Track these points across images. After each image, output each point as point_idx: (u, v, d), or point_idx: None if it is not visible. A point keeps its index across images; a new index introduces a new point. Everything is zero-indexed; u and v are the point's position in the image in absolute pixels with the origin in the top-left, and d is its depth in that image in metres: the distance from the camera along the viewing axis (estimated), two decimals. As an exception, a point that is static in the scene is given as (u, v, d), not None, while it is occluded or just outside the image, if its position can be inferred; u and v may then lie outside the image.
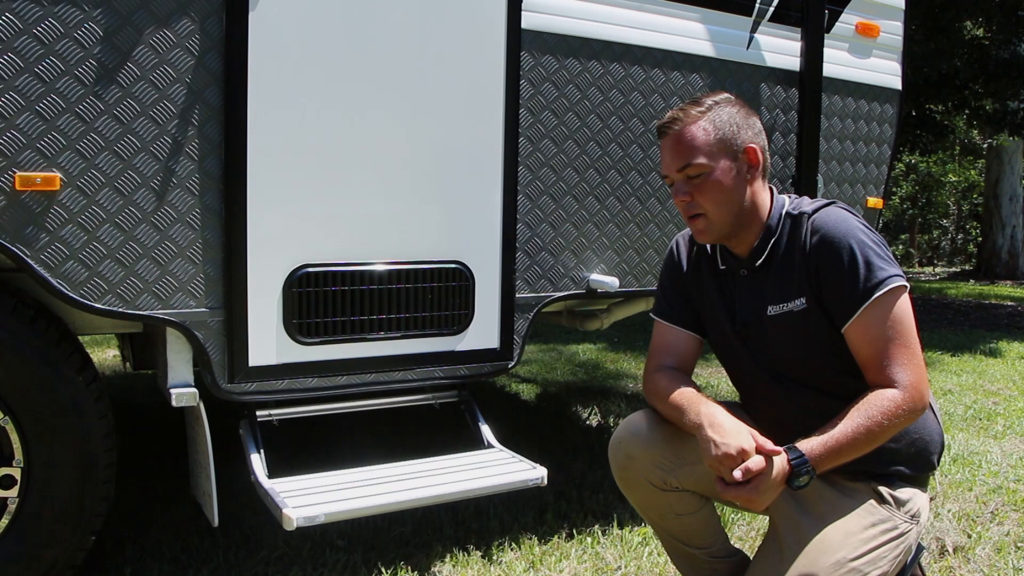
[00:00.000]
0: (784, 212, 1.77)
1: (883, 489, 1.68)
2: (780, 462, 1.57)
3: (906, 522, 1.67)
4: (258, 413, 2.33)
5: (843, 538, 1.63)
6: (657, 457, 1.79)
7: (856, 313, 1.63)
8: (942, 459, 1.77)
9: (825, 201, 1.76)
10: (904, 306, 1.63)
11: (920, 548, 1.79)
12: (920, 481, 1.74)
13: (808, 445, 1.58)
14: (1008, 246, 13.88)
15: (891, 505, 1.67)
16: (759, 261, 1.78)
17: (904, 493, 1.69)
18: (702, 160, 1.72)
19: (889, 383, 1.60)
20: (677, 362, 1.89)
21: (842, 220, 1.69)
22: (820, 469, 1.59)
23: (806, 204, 1.77)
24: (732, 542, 2.00)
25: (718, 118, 1.74)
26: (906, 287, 1.63)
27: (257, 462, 2.24)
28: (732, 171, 1.74)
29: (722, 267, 1.86)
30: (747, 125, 1.76)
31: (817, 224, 1.70)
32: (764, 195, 1.79)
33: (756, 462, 1.54)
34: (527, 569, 2.38)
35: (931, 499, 1.78)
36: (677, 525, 1.90)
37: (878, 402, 1.58)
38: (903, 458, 1.71)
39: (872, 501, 1.67)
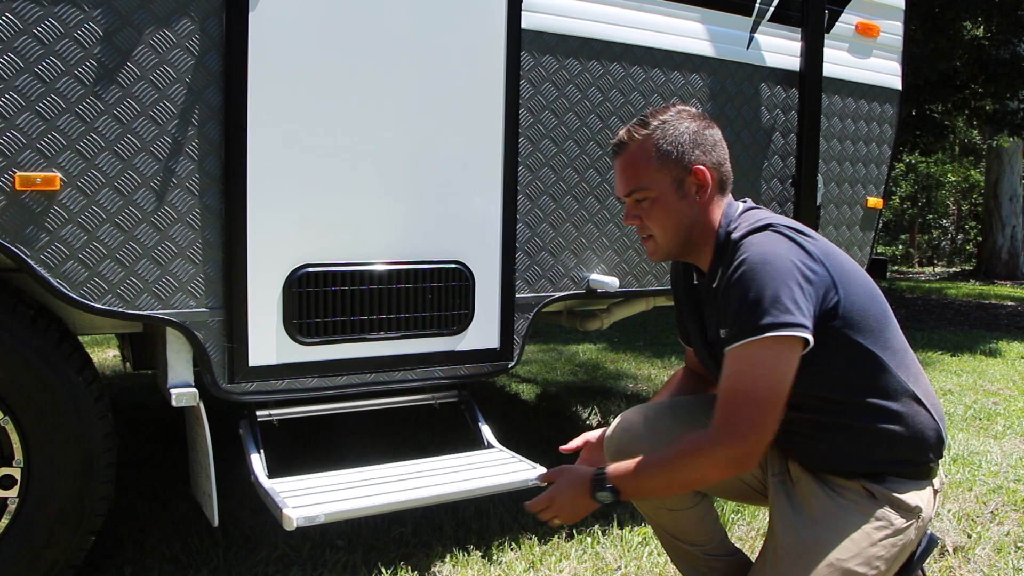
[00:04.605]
0: (726, 232, 1.72)
1: (875, 487, 1.65)
2: (583, 474, 1.69)
3: (901, 519, 1.64)
4: (258, 413, 2.33)
5: (836, 539, 1.61)
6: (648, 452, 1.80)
7: (731, 347, 1.57)
8: (944, 456, 1.74)
9: (763, 223, 1.67)
10: (774, 358, 1.53)
11: (932, 541, 1.74)
12: (918, 474, 1.70)
13: (614, 465, 1.67)
14: (1008, 246, 13.88)
15: (885, 503, 1.64)
16: (714, 283, 1.74)
17: (900, 490, 1.66)
18: (647, 185, 1.72)
19: (714, 423, 1.57)
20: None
21: (759, 250, 1.59)
22: (623, 487, 1.64)
23: (743, 225, 1.70)
24: (732, 542, 2.00)
25: (664, 139, 1.71)
26: (792, 338, 1.52)
27: (257, 462, 2.24)
28: (679, 194, 1.72)
29: (695, 283, 1.86)
30: (698, 142, 1.72)
31: (741, 250, 1.63)
32: (719, 212, 1.75)
33: (554, 473, 1.78)
34: (527, 569, 2.38)
35: (935, 492, 1.74)
36: (670, 521, 1.90)
37: (687, 441, 1.59)
38: (895, 454, 1.67)
39: (865, 500, 1.65)
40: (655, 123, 1.72)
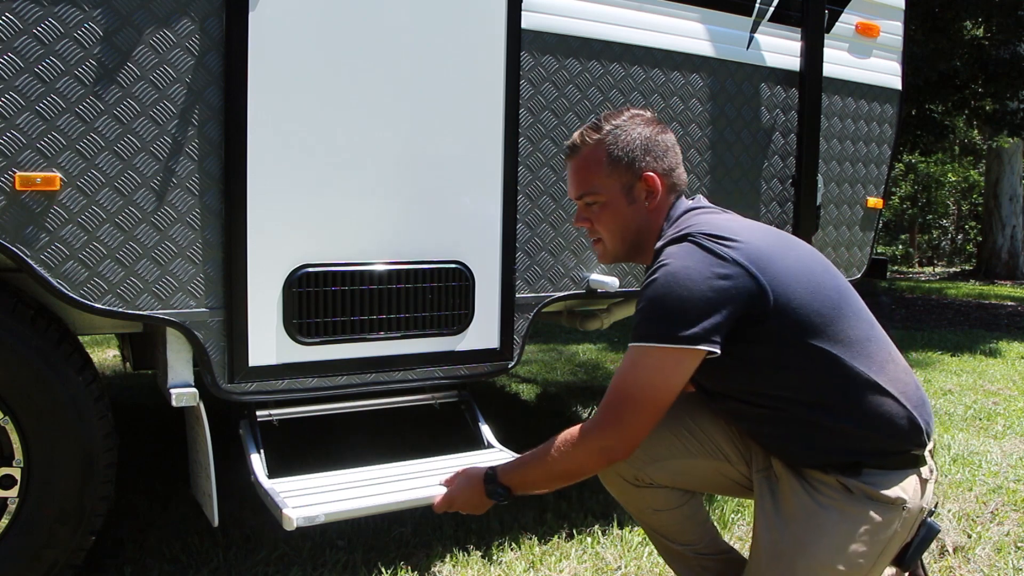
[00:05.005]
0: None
1: (851, 481, 1.62)
2: (477, 475, 1.77)
3: (879, 513, 1.60)
4: (258, 413, 2.33)
5: (815, 538, 1.60)
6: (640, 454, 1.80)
7: (629, 344, 1.62)
8: (928, 443, 1.70)
9: (683, 232, 1.66)
10: (658, 366, 1.57)
11: (931, 530, 1.68)
12: (899, 464, 1.65)
13: (504, 463, 1.76)
14: (1008, 246, 13.89)
15: (862, 498, 1.61)
16: None
17: (878, 483, 1.61)
18: (596, 190, 1.76)
19: (595, 414, 1.63)
20: None
21: (670, 263, 1.60)
22: (510, 483, 1.73)
23: (669, 233, 1.70)
24: (732, 542, 2.00)
25: (616, 145, 1.73)
26: (680, 350, 1.55)
27: (257, 462, 2.24)
28: (627, 199, 1.75)
29: None
30: (650, 148, 1.73)
31: (658, 261, 1.64)
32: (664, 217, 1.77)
33: (453, 477, 1.86)
34: (527, 569, 2.38)
35: (924, 481, 1.68)
36: (656, 521, 1.90)
37: (567, 432, 1.66)
38: (865, 446, 1.63)
39: (842, 496, 1.62)
40: (608, 127, 1.74)
